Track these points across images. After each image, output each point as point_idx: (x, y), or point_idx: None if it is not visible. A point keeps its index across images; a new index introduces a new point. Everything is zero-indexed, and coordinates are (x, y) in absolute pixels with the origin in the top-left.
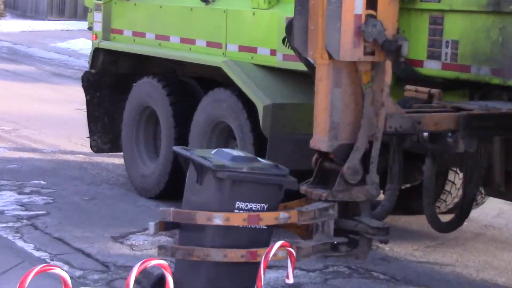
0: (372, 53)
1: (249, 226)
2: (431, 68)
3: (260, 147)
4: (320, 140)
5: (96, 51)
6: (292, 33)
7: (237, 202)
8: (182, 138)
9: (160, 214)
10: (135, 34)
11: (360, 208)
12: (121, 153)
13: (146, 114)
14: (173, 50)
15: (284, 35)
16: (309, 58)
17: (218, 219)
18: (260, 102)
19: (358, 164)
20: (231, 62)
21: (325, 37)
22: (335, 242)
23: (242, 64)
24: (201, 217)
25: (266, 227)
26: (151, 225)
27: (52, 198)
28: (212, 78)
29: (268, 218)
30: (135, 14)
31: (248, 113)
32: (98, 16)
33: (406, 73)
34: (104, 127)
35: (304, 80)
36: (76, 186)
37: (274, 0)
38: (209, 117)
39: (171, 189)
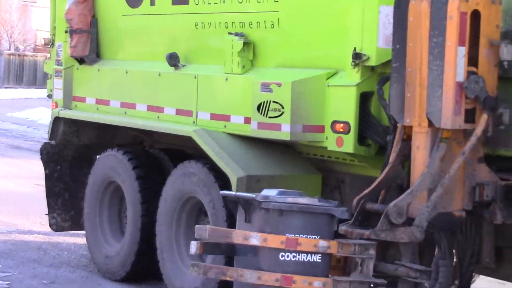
0: (472, 121)
1: (303, 259)
2: None
3: (233, 224)
4: (419, 209)
5: (56, 121)
6: (388, 100)
7: (287, 235)
8: (149, 215)
9: (196, 231)
10: (98, 101)
11: (401, 252)
12: (83, 232)
13: (110, 189)
14: (140, 119)
15: (259, 101)
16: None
17: (255, 239)
18: (234, 175)
19: (406, 206)
20: (203, 131)
21: (426, 104)
22: (373, 284)
23: (214, 134)
24: (237, 236)
25: (320, 261)
26: (193, 244)
27: (7, 282)
28: (182, 150)
29: (307, 244)
30: (99, 81)
31: (220, 187)
32: (58, 83)
33: None
34: (65, 204)
35: (280, 150)
36: (35, 269)
37: (248, 65)
38: (179, 192)
39: (138, 271)
